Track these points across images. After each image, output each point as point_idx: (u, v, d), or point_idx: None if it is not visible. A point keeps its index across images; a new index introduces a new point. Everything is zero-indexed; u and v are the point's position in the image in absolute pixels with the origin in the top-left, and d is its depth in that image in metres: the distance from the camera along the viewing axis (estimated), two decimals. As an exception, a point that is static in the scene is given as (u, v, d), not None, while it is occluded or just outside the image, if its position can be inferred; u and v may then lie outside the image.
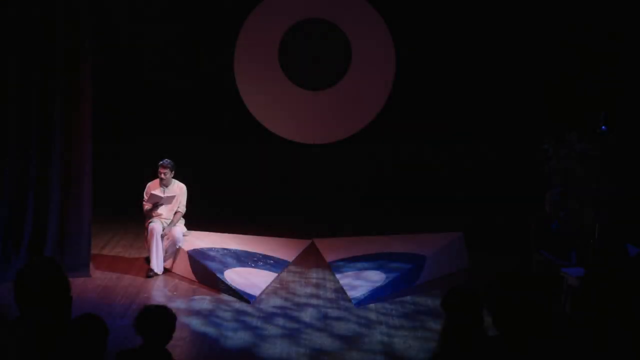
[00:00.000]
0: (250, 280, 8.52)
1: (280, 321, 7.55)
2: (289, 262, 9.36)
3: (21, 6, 8.25)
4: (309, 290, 8.50)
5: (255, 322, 7.50)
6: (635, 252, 7.45)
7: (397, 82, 11.93)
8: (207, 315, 7.64)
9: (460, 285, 4.17)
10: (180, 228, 8.98)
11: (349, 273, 8.90)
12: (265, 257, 9.25)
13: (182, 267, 8.84)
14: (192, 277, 8.67)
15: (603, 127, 9.10)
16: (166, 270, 8.90)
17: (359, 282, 8.56)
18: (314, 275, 8.99)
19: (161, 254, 8.78)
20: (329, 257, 9.50)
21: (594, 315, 3.40)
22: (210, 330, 7.29)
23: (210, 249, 9.01)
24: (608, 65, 10.83)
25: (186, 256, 8.79)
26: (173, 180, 8.96)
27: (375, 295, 8.22)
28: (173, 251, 8.91)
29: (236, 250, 9.26)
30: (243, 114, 12.00)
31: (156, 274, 8.72)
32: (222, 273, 8.46)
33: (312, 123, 12.16)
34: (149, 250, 8.79)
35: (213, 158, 11.86)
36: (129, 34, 11.56)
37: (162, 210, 8.88)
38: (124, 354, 4.30)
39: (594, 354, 3.34)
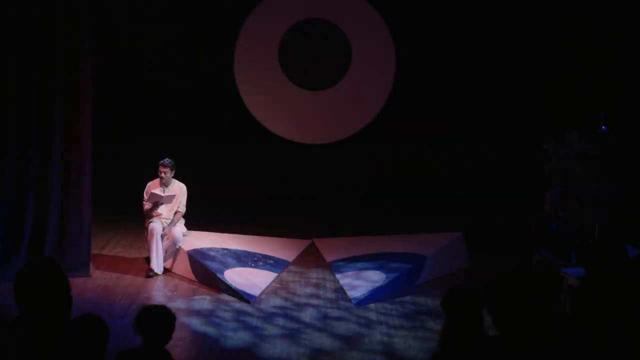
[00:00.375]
0: (250, 280, 8.52)
1: (280, 321, 7.55)
2: (289, 262, 9.36)
3: (21, 6, 8.25)
4: (309, 290, 8.50)
5: (255, 322, 7.50)
6: (634, 252, 7.45)
7: (397, 82, 11.93)
8: (207, 315, 7.64)
9: (460, 285, 4.18)
10: (180, 228, 8.98)
11: (349, 273, 8.90)
12: (265, 257, 9.26)
13: (182, 267, 8.84)
14: (192, 277, 8.67)
15: (603, 127, 9.10)
16: (166, 270, 8.90)
17: (359, 282, 8.56)
18: (314, 275, 8.99)
19: (161, 254, 8.79)
20: (329, 257, 9.50)
21: (594, 315, 3.40)
22: (210, 330, 7.29)
23: (210, 249, 9.01)
24: (608, 65, 10.82)
25: (186, 256, 8.79)
26: (173, 180, 8.96)
27: (375, 295, 8.22)
28: (173, 251, 8.91)
29: (236, 250, 9.27)
30: (243, 114, 12.00)
31: (156, 274, 8.72)
32: (222, 273, 8.46)
33: (312, 123, 12.15)
34: (149, 250, 8.79)
35: (213, 158, 11.85)
36: (129, 34, 11.55)
37: (162, 210, 8.88)
38: (124, 354, 4.30)
39: (594, 354, 3.34)
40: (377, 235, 10.11)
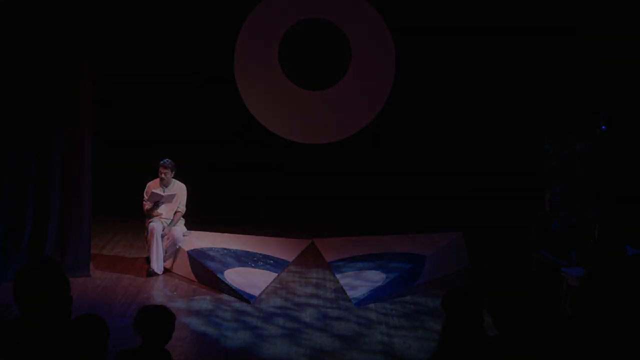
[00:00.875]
0: (250, 280, 8.52)
1: (280, 321, 7.55)
2: (289, 262, 9.36)
3: (23, 5, 8.24)
4: (309, 290, 8.50)
5: (255, 322, 7.50)
6: (634, 252, 7.44)
7: (397, 82, 11.92)
8: (207, 315, 7.64)
9: (460, 285, 4.18)
10: (180, 228, 8.99)
11: (349, 273, 8.90)
12: (265, 257, 9.25)
13: (182, 267, 8.84)
14: (192, 277, 8.68)
15: (603, 127, 9.09)
16: (166, 270, 8.90)
17: (359, 282, 8.57)
18: (314, 275, 8.99)
19: (161, 254, 8.79)
20: (329, 257, 9.50)
21: (594, 315, 3.40)
22: (210, 330, 7.30)
23: (210, 249, 9.02)
24: (607, 65, 10.81)
25: (186, 256, 8.79)
26: (173, 180, 8.97)
27: (375, 295, 8.22)
28: (173, 251, 8.91)
29: (236, 250, 9.27)
30: (243, 114, 11.99)
31: (156, 274, 8.73)
32: (222, 273, 8.46)
33: (312, 123, 12.14)
34: (149, 250, 8.79)
35: (213, 158, 11.84)
36: (128, 34, 11.53)
37: (162, 209, 8.89)
38: (123, 354, 4.30)
39: (594, 354, 3.34)
40: (377, 235, 10.11)
